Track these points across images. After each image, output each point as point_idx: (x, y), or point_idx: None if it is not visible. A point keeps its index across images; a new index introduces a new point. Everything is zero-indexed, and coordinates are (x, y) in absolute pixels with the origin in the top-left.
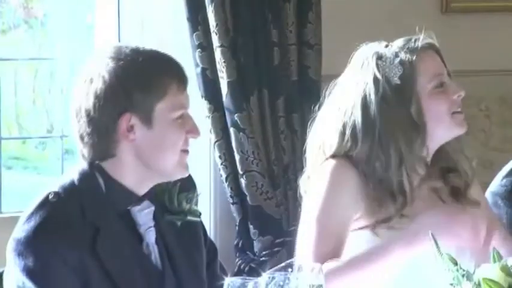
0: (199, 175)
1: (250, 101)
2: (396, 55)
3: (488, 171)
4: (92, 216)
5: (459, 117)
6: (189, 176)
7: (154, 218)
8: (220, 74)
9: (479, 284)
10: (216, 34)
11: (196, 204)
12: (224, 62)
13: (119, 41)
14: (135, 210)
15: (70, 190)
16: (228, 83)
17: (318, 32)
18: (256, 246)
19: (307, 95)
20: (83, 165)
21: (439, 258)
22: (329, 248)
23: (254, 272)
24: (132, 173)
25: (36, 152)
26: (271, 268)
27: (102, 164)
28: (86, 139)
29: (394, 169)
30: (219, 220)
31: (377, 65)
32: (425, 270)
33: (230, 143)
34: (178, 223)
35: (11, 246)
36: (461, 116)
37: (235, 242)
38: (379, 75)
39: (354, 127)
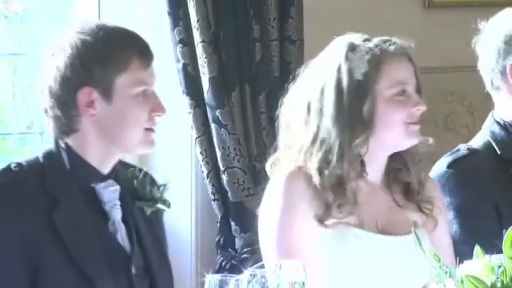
0: (180, 171)
1: (232, 97)
2: (368, 52)
3: None
4: (53, 189)
5: (413, 127)
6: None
7: (122, 199)
8: (201, 70)
9: (462, 282)
10: (198, 29)
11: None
12: (205, 57)
13: None
14: (100, 187)
15: (33, 164)
16: (210, 78)
17: (299, 27)
18: (238, 243)
19: (289, 90)
20: (50, 145)
21: (421, 255)
22: None
23: (235, 269)
24: (95, 149)
25: (15, 148)
26: (252, 265)
27: (68, 140)
28: (49, 113)
29: (335, 161)
30: (200, 217)
31: (347, 55)
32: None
33: (211, 139)
34: (148, 211)
35: None
36: (415, 127)
37: (217, 239)
38: (344, 66)
39: (309, 111)
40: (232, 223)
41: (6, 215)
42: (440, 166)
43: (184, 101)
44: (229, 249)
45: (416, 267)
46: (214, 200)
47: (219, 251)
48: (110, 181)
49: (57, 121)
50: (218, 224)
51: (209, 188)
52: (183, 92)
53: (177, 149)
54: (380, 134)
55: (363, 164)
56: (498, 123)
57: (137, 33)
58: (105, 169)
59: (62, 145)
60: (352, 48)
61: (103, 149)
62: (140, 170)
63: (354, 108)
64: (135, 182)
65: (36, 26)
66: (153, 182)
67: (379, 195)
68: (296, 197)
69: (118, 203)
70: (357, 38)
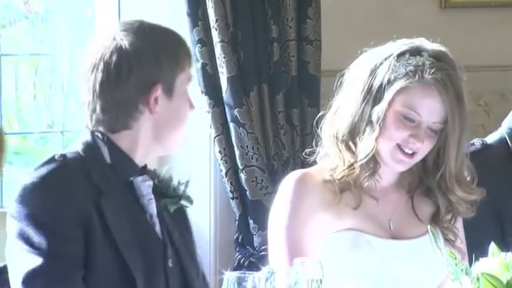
0: (199, 170)
1: (250, 96)
2: (410, 65)
3: None
4: (97, 180)
5: (399, 155)
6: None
7: (154, 195)
8: (220, 70)
9: (478, 279)
10: (216, 29)
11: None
12: (224, 57)
13: None
14: (139, 180)
15: (75, 156)
16: (228, 78)
17: (317, 27)
18: (256, 240)
19: (306, 90)
20: (86, 136)
21: (437, 253)
22: None
23: (254, 267)
24: (142, 145)
25: (36, 147)
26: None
27: (113, 136)
28: (104, 113)
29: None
30: (218, 215)
31: (391, 59)
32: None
33: (230, 138)
34: (172, 209)
35: (15, 196)
36: (402, 156)
37: (235, 237)
38: (381, 68)
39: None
40: (251, 221)
41: (60, 198)
42: None
43: (203, 100)
44: (248, 247)
45: (429, 270)
46: (232, 198)
47: (237, 249)
48: (146, 176)
49: (113, 120)
50: (236, 222)
51: (228, 187)
52: (202, 92)
53: (196, 148)
54: (380, 142)
55: (375, 166)
56: None
57: None
58: (143, 163)
59: (100, 137)
60: (402, 53)
61: (148, 146)
62: (159, 169)
63: (365, 108)
64: (157, 180)
65: (57, 26)
66: (174, 179)
67: (392, 196)
68: (305, 200)
69: (153, 197)
70: (413, 44)
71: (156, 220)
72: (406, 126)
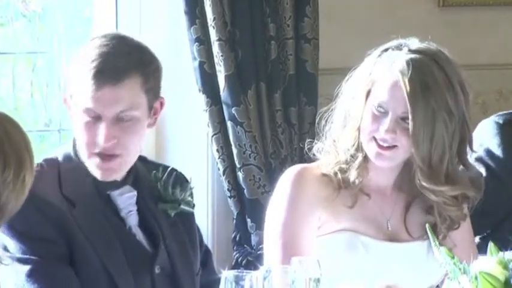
0: (196, 169)
1: (248, 95)
2: (388, 60)
3: None
4: (69, 194)
5: (374, 146)
6: (180, 173)
7: (141, 203)
8: (217, 68)
9: (476, 278)
10: (214, 28)
11: (191, 196)
12: (222, 55)
13: None
14: (115, 194)
15: (52, 165)
16: (226, 76)
17: (315, 25)
18: (254, 239)
19: (304, 88)
20: (69, 148)
21: (435, 251)
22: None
23: (251, 266)
24: None
25: (34, 145)
26: None
27: None
28: None
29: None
30: (216, 214)
31: (377, 57)
32: None
33: (228, 136)
34: (172, 213)
35: None
36: (377, 148)
37: (233, 236)
38: (368, 66)
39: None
40: (248, 220)
41: (35, 202)
42: (494, 119)
43: (201, 99)
44: (245, 246)
45: (424, 274)
46: (230, 197)
47: (235, 248)
48: (127, 187)
49: None
50: (234, 221)
51: (225, 185)
52: (200, 90)
53: (194, 147)
54: (361, 136)
55: (363, 161)
56: None
57: (120, 52)
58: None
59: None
60: (385, 49)
61: None
62: (164, 169)
63: (351, 103)
64: (158, 185)
65: (55, 25)
66: (176, 182)
67: (390, 198)
68: (303, 194)
69: (134, 209)
70: (399, 42)
71: (136, 231)
72: (377, 117)
